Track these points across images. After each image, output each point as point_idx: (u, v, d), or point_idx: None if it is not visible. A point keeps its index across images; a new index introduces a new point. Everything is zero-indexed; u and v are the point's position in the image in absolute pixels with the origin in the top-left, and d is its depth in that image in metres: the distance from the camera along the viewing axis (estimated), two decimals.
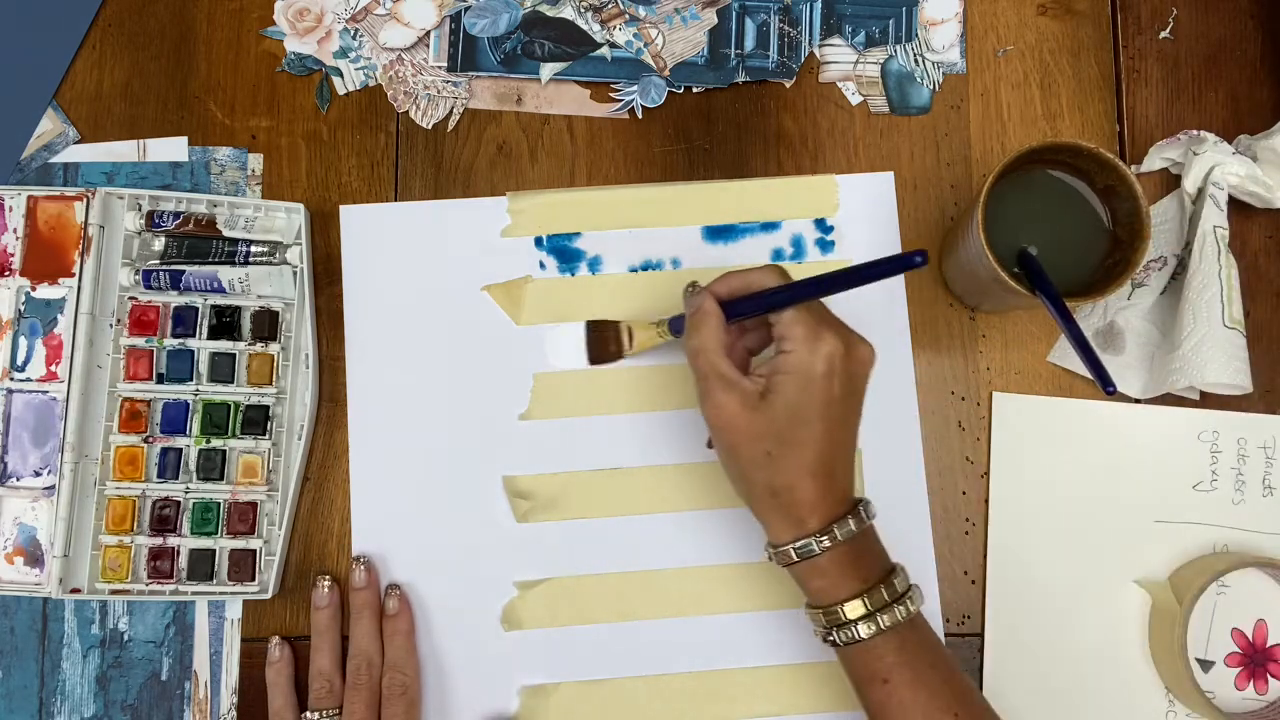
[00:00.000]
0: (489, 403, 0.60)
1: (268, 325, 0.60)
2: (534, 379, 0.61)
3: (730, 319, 0.50)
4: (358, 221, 0.62)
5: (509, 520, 0.60)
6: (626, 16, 0.64)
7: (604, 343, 0.60)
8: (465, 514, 0.60)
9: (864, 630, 0.47)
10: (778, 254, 0.62)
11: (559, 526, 0.60)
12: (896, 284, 0.61)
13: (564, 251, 0.62)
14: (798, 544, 0.48)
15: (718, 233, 0.62)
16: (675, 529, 0.60)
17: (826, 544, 0.47)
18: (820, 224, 0.62)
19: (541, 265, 0.62)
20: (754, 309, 0.50)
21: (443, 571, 0.59)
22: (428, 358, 0.61)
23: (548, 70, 0.63)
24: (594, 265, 0.62)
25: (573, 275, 0.62)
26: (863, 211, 0.62)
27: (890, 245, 0.62)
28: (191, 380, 0.60)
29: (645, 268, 0.62)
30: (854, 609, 0.47)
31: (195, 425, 0.59)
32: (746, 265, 0.52)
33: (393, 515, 0.60)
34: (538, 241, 0.62)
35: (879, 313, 0.61)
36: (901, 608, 0.47)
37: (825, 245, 0.62)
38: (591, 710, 0.58)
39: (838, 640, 0.48)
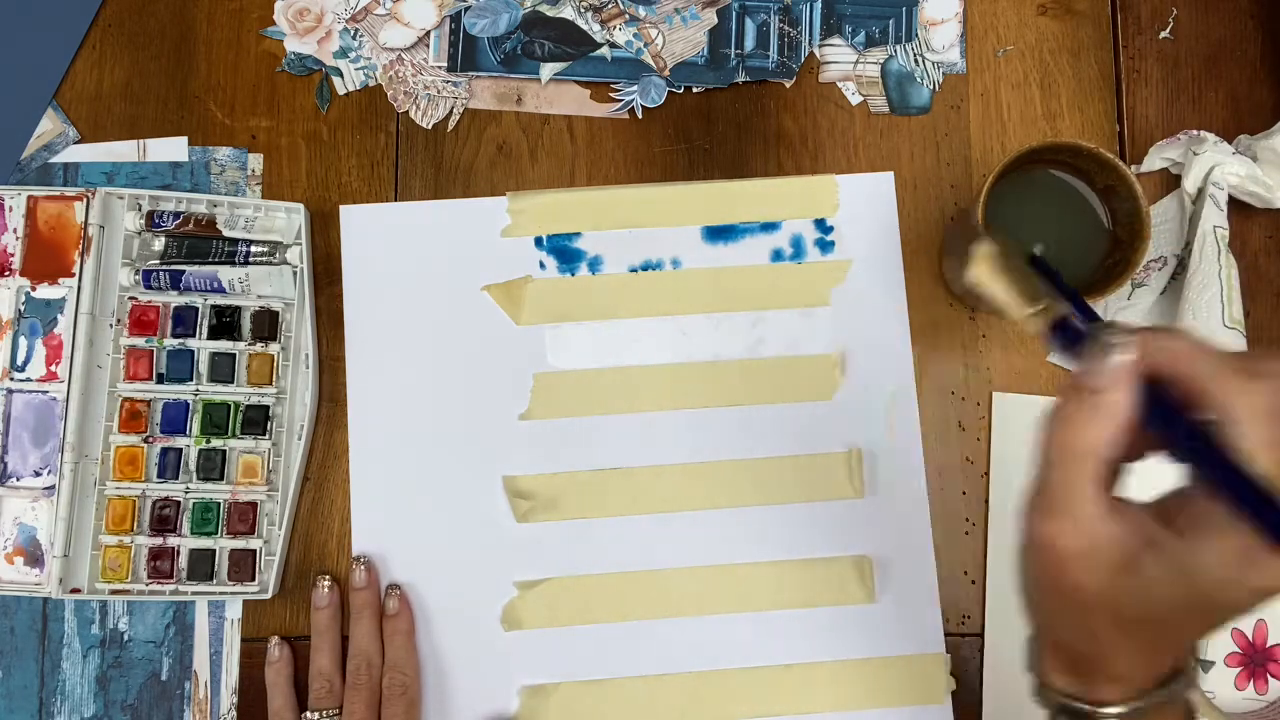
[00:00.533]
0: (489, 403, 0.60)
1: (268, 325, 0.60)
2: (534, 379, 0.61)
3: (1148, 425, 0.33)
4: (358, 221, 0.62)
5: (509, 520, 0.60)
6: (626, 16, 0.64)
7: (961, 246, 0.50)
8: (465, 514, 0.60)
9: None
10: (777, 254, 0.62)
11: (559, 526, 0.60)
12: (896, 284, 0.61)
13: (564, 251, 0.62)
14: (1078, 703, 0.36)
15: (718, 233, 0.62)
16: (676, 529, 0.60)
17: (1122, 711, 0.36)
18: (820, 224, 0.62)
19: (541, 265, 0.62)
20: (1184, 445, 0.32)
21: (443, 571, 0.59)
22: (428, 358, 0.61)
23: (548, 70, 0.63)
24: (594, 265, 0.62)
25: (573, 275, 0.62)
26: (863, 211, 0.62)
27: (890, 245, 0.61)
28: (191, 380, 0.60)
29: (645, 268, 0.62)
30: None
31: (195, 425, 0.59)
32: (1199, 343, 0.32)
33: (393, 515, 0.60)
34: (538, 241, 0.62)
35: (879, 313, 0.61)
36: None
37: (825, 245, 0.62)
38: (591, 710, 0.58)
39: None
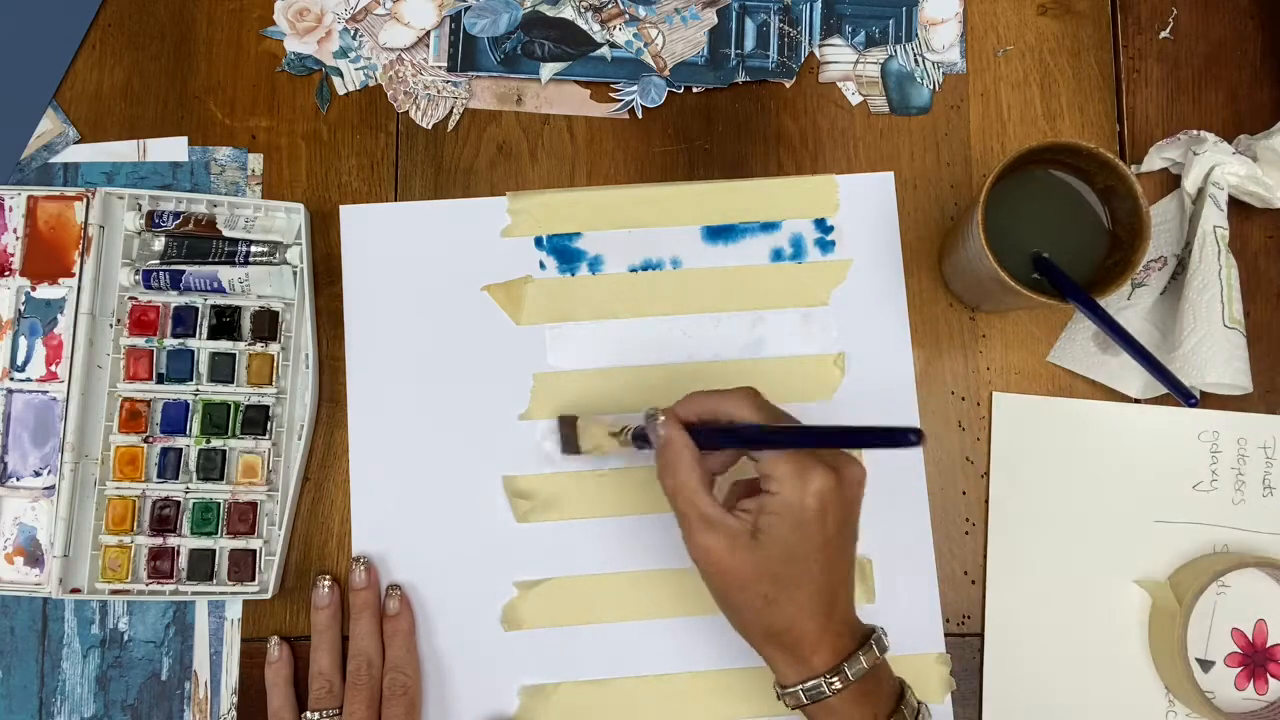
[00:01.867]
0: (489, 403, 0.60)
1: (268, 325, 0.60)
2: (534, 379, 0.61)
3: (702, 448, 0.47)
4: (358, 221, 0.62)
5: (509, 520, 0.60)
6: (626, 16, 0.64)
7: (569, 440, 0.58)
8: (465, 514, 0.60)
9: None
10: (777, 253, 0.62)
11: (559, 526, 0.60)
12: (897, 284, 0.61)
13: (564, 251, 0.62)
14: (807, 685, 0.45)
15: (717, 233, 0.62)
16: (675, 529, 0.59)
17: (838, 685, 0.45)
18: (820, 224, 0.62)
19: (541, 265, 0.62)
20: (728, 444, 0.47)
21: (443, 571, 0.59)
22: (428, 358, 0.61)
23: (548, 70, 0.63)
24: (594, 265, 0.62)
25: (573, 275, 0.62)
26: (863, 211, 0.62)
27: (890, 245, 0.61)
28: (191, 380, 0.60)
29: (645, 267, 0.62)
30: None
31: (195, 425, 0.59)
32: (709, 388, 0.49)
33: (393, 515, 0.60)
34: (538, 241, 0.62)
35: (879, 313, 0.61)
36: None
37: (825, 245, 0.62)
38: (591, 710, 0.58)
39: None
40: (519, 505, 0.60)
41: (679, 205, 0.62)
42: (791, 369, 0.61)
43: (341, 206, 0.62)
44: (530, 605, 0.59)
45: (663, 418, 0.48)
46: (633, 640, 0.59)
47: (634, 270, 0.62)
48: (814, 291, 0.61)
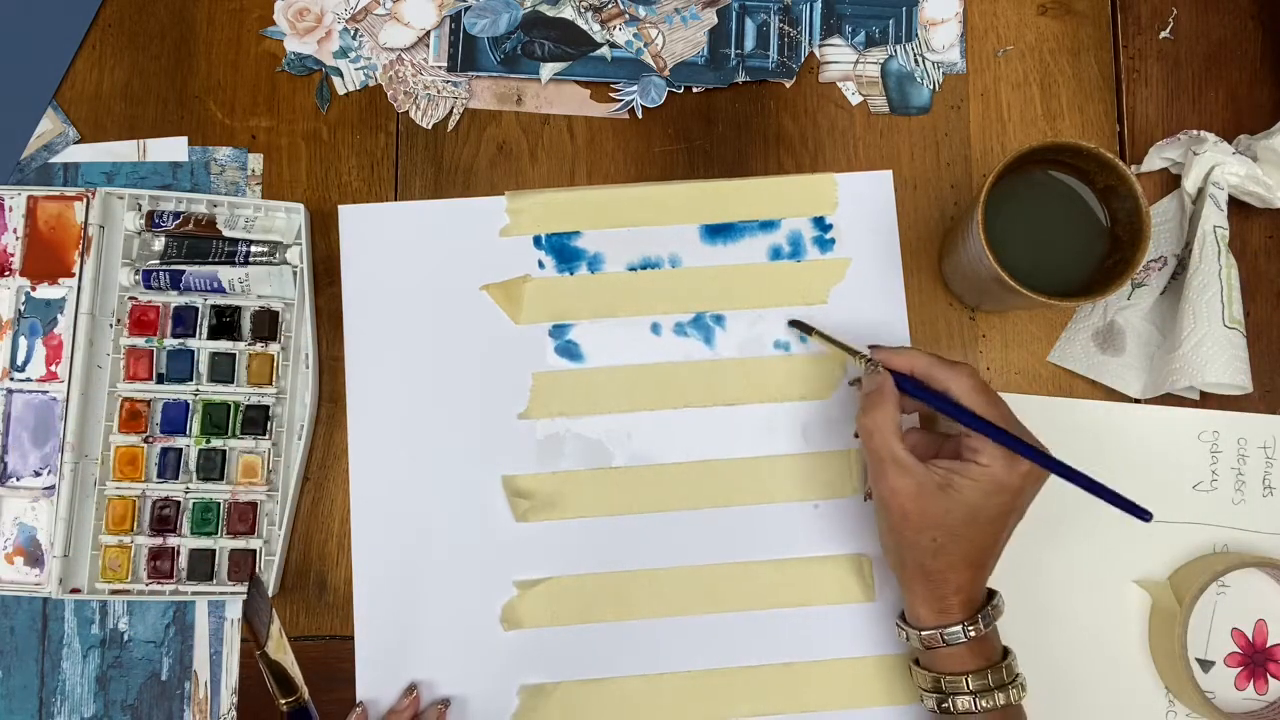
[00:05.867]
0: (488, 402, 0.60)
1: (268, 325, 0.60)
2: (533, 378, 0.61)
3: (908, 395, 0.52)
4: (356, 221, 0.62)
5: (508, 519, 0.60)
6: (626, 16, 0.64)
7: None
8: (465, 513, 0.60)
9: (976, 703, 0.50)
10: (776, 252, 0.62)
11: (559, 526, 0.60)
12: (896, 282, 0.61)
13: (563, 250, 0.62)
14: (948, 630, 0.50)
15: (716, 231, 0.62)
16: (675, 527, 0.60)
17: (973, 633, 0.50)
18: (819, 222, 0.62)
19: (540, 264, 0.62)
20: (944, 410, 0.51)
21: (443, 571, 0.59)
22: (427, 357, 0.61)
23: (548, 70, 0.63)
24: (593, 264, 0.62)
25: (572, 274, 0.62)
26: (861, 210, 0.62)
27: (889, 244, 0.61)
28: (191, 380, 0.60)
29: (644, 266, 0.62)
30: (975, 682, 0.50)
31: (195, 425, 0.59)
32: (930, 353, 0.53)
33: (393, 515, 0.60)
34: (536, 240, 0.62)
35: (879, 316, 0.61)
36: (1015, 690, 0.51)
37: (824, 244, 0.62)
38: (591, 710, 0.58)
39: (951, 708, 0.51)
40: (518, 504, 0.60)
41: (678, 204, 0.62)
42: (790, 368, 0.61)
43: (340, 206, 0.62)
44: (530, 604, 0.59)
45: (879, 369, 0.53)
46: (633, 640, 0.59)
47: (633, 269, 0.62)
48: (813, 290, 0.61)
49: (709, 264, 0.62)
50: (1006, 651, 0.52)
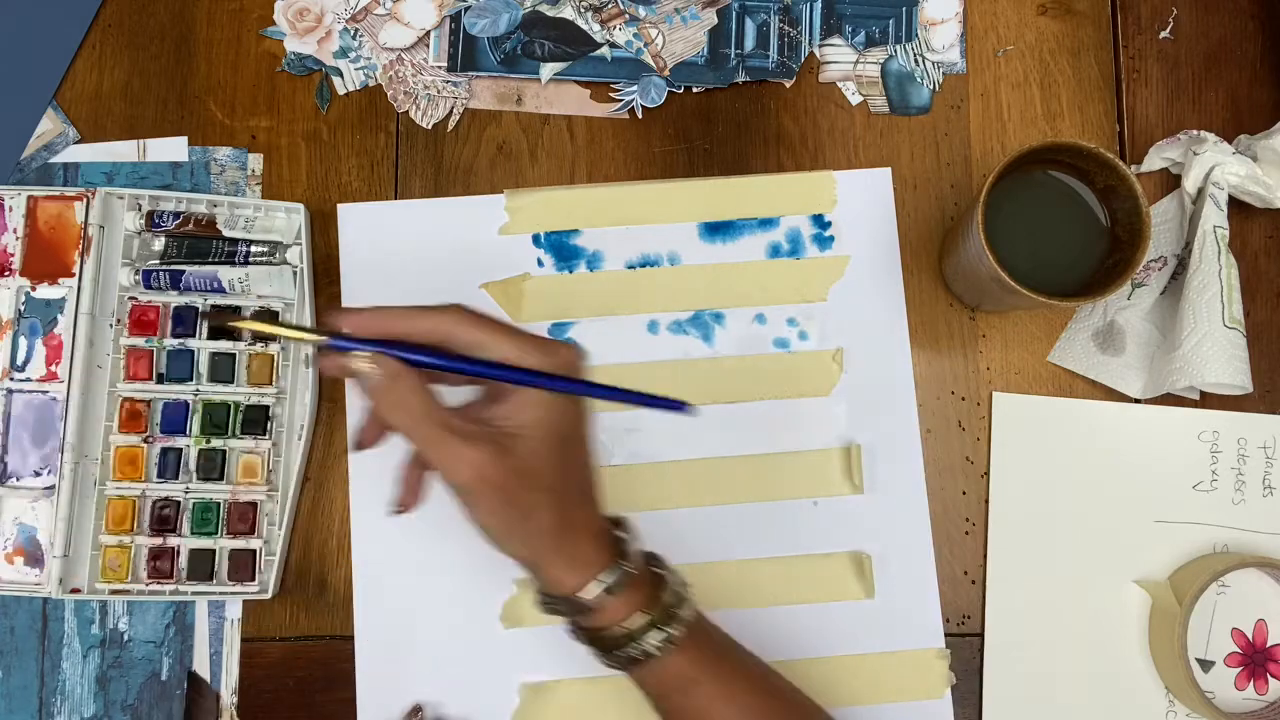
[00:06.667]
0: None
1: None
2: None
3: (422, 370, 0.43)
4: (355, 220, 0.62)
5: None
6: (626, 16, 0.64)
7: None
8: None
9: (653, 641, 0.45)
10: (775, 249, 0.62)
11: None
12: (895, 279, 0.61)
13: (562, 248, 0.62)
14: (603, 575, 0.44)
15: (716, 229, 0.62)
16: (674, 525, 0.60)
17: (631, 570, 0.45)
18: (818, 220, 0.62)
19: (540, 263, 0.62)
20: (460, 370, 0.43)
21: (442, 569, 0.59)
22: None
23: (548, 70, 0.63)
24: (592, 262, 0.62)
25: (571, 272, 0.62)
26: (861, 207, 0.62)
27: (888, 241, 0.61)
28: (191, 380, 0.60)
29: (644, 264, 0.62)
30: (637, 621, 0.44)
31: (195, 425, 0.59)
32: (398, 307, 0.43)
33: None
34: (536, 239, 0.62)
35: (878, 313, 0.61)
36: (686, 610, 0.46)
37: (823, 241, 0.62)
38: (592, 708, 0.58)
39: (641, 654, 0.45)
40: None
41: (677, 202, 0.62)
42: (789, 365, 0.61)
43: (339, 205, 0.62)
44: (530, 602, 0.59)
45: (369, 363, 0.42)
46: None
47: (632, 267, 0.62)
48: (812, 287, 0.61)
49: (708, 262, 0.62)
50: (656, 561, 0.47)
